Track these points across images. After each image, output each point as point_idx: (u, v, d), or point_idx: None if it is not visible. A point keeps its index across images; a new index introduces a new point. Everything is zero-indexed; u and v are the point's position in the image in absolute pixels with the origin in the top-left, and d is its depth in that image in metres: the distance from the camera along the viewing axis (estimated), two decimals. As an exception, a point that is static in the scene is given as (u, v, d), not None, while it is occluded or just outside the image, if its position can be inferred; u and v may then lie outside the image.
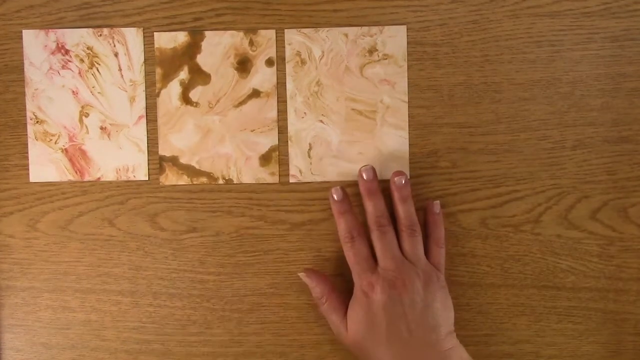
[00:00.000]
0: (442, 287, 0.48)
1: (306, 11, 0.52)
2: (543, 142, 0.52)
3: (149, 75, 0.52)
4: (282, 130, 0.52)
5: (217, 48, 0.52)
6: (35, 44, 0.52)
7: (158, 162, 0.53)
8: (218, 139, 0.52)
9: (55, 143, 0.52)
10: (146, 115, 0.52)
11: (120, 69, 0.52)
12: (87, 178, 0.53)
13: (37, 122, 0.52)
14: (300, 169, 0.52)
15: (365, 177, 0.49)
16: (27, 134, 0.52)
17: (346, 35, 0.52)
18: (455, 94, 0.52)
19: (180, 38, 0.52)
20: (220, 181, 0.52)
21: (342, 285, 0.52)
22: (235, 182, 0.52)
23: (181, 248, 0.53)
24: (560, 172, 0.52)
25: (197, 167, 0.52)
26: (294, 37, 0.52)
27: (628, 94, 0.52)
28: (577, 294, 0.52)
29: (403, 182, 0.49)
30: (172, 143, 0.52)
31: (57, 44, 0.52)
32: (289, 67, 0.52)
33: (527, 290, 0.52)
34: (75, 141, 0.53)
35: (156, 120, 0.52)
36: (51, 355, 0.53)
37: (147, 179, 0.53)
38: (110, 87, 0.52)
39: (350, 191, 0.52)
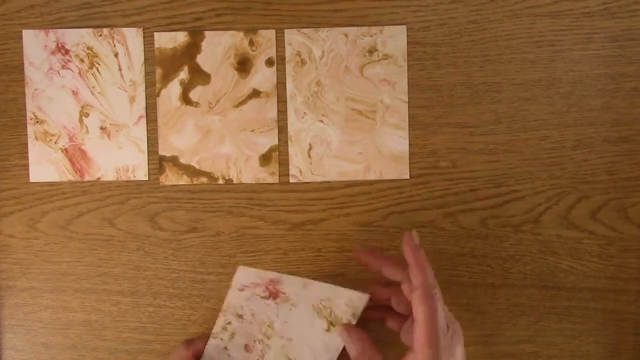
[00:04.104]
0: None
1: (306, 11, 0.52)
2: (543, 142, 0.52)
3: (149, 75, 0.52)
4: (282, 130, 0.52)
5: (217, 48, 0.52)
6: (35, 44, 0.52)
7: (158, 162, 0.53)
8: (218, 139, 0.52)
9: (55, 143, 0.52)
10: (146, 115, 0.52)
11: (120, 69, 0.52)
12: (87, 178, 0.52)
13: (37, 122, 0.52)
14: (300, 169, 0.52)
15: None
16: (27, 134, 0.52)
17: (346, 35, 0.52)
18: (455, 94, 0.52)
19: (180, 38, 0.52)
20: (220, 181, 0.52)
21: (343, 286, 0.52)
22: (235, 182, 0.52)
23: (181, 248, 0.53)
24: (560, 172, 0.52)
25: (197, 167, 0.52)
26: (294, 37, 0.52)
27: (628, 94, 0.52)
28: (577, 294, 0.52)
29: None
30: (172, 143, 0.52)
31: (57, 44, 0.52)
32: (289, 67, 0.52)
33: (527, 290, 0.52)
34: (75, 141, 0.53)
35: (156, 120, 0.52)
36: (51, 355, 0.53)
37: (147, 179, 0.53)
38: (110, 87, 0.52)
39: (350, 191, 0.52)
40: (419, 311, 0.38)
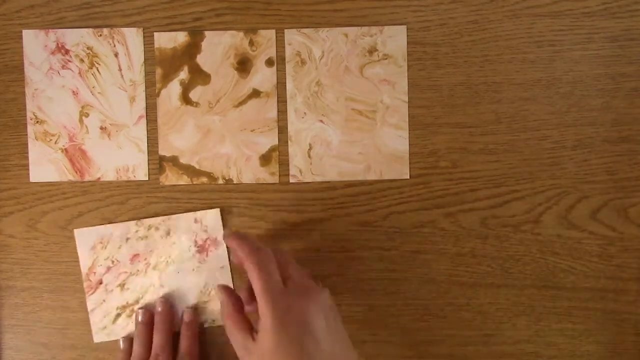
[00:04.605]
0: None
1: (306, 11, 0.52)
2: (543, 142, 0.52)
3: (149, 75, 0.52)
4: (282, 130, 0.52)
5: (217, 48, 0.52)
6: (35, 44, 0.52)
7: (158, 162, 0.53)
8: (218, 139, 0.52)
9: (55, 143, 0.52)
10: (146, 115, 0.52)
11: (120, 69, 0.52)
12: (87, 178, 0.52)
13: (37, 122, 0.52)
14: (300, 169, 0.52)
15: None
16: (27, 134, 0.52)
17: (346, 35, 0.52)
18: (455, 94, 0.52)
19: (180, 38, 0.52)
20: (220, 181, 0.52)
21: (343, 286, 0.52)
22: (235, 182, 0.52)
23: (181, 248, 0.53)
24: (560, 172, 0.52)
25: (197, 167, 0.52)
26: (294, 37, 0.52)
27: (628, 94, 0.52)
28: (577, 294, 0.52)
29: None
30: (172, 143, 0.52)
31: (57, 44, 0.52)
32: (289, 67, 0.52)
33: (527, 290, 0.52)
34: (75, 141, 0.53)
35: (156, 120, 0.52)
36: (51, 355, 0.53)
37: (147, 179, 0.52)
38: (110, 87, 0.52)
39: (350, 191, 0.52)
40: (250, 275, 0.41)
